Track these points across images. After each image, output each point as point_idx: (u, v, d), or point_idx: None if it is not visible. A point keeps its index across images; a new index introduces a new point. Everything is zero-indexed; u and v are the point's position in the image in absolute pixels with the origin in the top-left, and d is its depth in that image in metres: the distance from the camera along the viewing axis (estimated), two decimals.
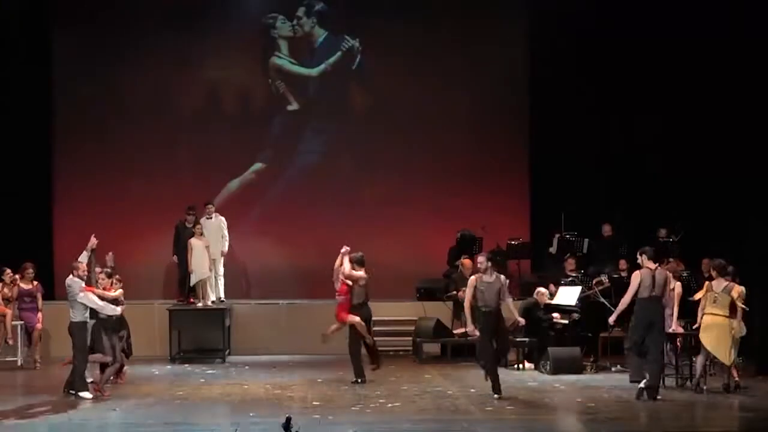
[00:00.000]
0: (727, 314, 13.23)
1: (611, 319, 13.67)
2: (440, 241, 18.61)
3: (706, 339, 13.25)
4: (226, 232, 17.78)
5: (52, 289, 17.67)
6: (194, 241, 17.18)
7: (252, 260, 19.27)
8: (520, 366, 15.51)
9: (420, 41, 19.66)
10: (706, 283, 13.64)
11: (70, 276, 13.37)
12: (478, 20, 19.70)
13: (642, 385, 12.79)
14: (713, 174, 17.96)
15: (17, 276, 16.42)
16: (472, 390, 13.42)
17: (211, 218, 17.73)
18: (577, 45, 19.00)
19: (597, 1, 18.92)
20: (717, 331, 13.22)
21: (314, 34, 20.04)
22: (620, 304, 13.45)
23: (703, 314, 13.36)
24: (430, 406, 12.59)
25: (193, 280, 17.16)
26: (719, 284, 13.37)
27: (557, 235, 18.47)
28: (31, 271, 16.46)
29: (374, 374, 14.22)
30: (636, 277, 13.27)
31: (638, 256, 13.56)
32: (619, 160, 19.05)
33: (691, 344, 14.16)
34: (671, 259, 17.21)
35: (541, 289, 15.89)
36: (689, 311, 14.61)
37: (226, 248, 17.69)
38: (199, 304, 17.21)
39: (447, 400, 12.87)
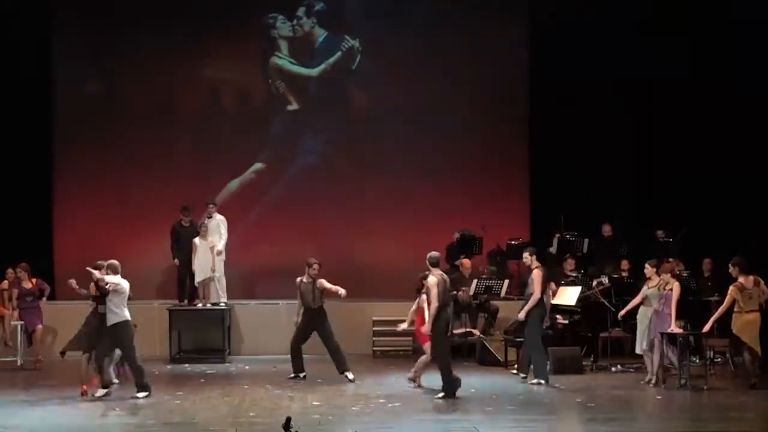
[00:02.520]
0: (759, 308, 13.61)
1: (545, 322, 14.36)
2: (440, 241, 18.57)
3: (748, 335, 13.51)
4: (223, 231, 17.75)
5: (53, 290, 17.66)
6: (198, 241, 17.19)
7: (252, 260, 19.25)
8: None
9: (420, 41, 19.67)
10: (734, 284, 13.68)
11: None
12: (478, 20, 19.71)
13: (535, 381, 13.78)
14: (714, 174, 17.97)
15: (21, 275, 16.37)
16: (472, 390, 13.42)
17: (211, 218, 17.71)
18: (578, 45, 18.99)
19: (597, 1, 18.93)
20: (756, 326, 13.56)
21: (314, 34, 20.04)
22: (547, 303, 14.21)
23: (735, 312, 13.59)
24: (430, 406, 12.60)
25: (195, 280, 17.15)
26: (748, 281, 13.52)
27: (557, 235, 18.48)
28: (14, 271, 16.34)
29: (374, 374, 14.22)
30: (540, 276, 13.95)
31: (528, 257, 14.25)
32: (619, 160, 19.04)
33: (692, 345, 14.17)
34: (671, 259, 17.22)
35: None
36: (687, 311, 14.67)
37: (220, 247, 17.58)
38: (200, 305, 17.19)
39: (447, 400, 12.86)
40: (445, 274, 13.31)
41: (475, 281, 16.92)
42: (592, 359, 15.37)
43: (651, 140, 18.96)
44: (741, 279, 13.61)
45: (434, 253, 13.44)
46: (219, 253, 17.48)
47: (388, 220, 19.22)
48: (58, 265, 18.55)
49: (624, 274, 16.96)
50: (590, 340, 15.61)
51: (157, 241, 18.30)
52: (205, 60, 19.79)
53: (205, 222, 17.56)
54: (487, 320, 17.04)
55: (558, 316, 15.76)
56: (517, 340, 15.46)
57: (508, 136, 19.84)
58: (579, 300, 15.62)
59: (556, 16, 18.95)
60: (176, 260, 17.66)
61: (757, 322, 13.57)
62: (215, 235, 17.54)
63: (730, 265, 13.83)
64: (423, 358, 13.77)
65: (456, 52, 19.74)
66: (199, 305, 17.15)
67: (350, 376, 14.35)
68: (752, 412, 12.09)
